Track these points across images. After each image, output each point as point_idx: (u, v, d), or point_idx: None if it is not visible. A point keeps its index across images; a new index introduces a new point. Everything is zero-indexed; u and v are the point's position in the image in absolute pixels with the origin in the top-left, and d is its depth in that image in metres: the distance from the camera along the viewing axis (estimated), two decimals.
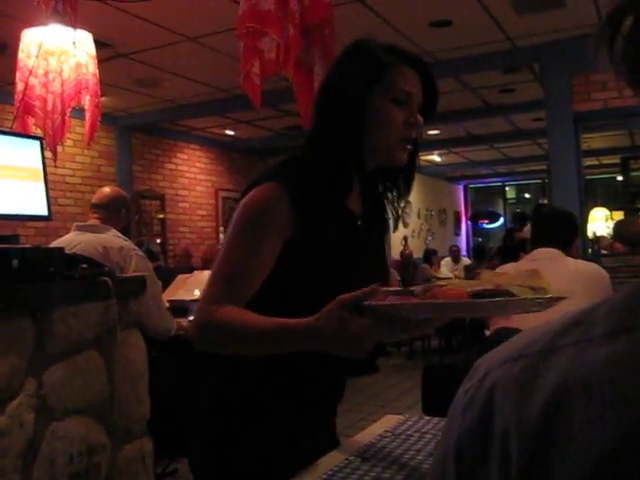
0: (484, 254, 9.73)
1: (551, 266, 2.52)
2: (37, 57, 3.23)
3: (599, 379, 0.41)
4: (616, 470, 0.38)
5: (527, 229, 7.48)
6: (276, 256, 1.24)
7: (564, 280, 2.44)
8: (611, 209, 11.20)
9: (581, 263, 2.67)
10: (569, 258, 2.63)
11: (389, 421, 1.62)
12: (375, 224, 1.42)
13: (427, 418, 1.63)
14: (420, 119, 1.31)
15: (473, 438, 0.47)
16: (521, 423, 0.43)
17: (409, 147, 1.33)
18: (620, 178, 10.90)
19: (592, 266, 2.66)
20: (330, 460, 1.32)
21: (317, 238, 1.26)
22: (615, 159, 11.03)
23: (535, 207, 8.34)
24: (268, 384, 1.32)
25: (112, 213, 3.35)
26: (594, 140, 9.79)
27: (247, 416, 1.31)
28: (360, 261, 1.34)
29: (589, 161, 10.84)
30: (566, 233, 2.72)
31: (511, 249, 7.07)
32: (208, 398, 1.37)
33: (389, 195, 1.43)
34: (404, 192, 1.42)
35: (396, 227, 1.46)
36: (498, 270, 2.73)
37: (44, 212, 2.41)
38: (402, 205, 1.43)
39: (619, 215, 9.93)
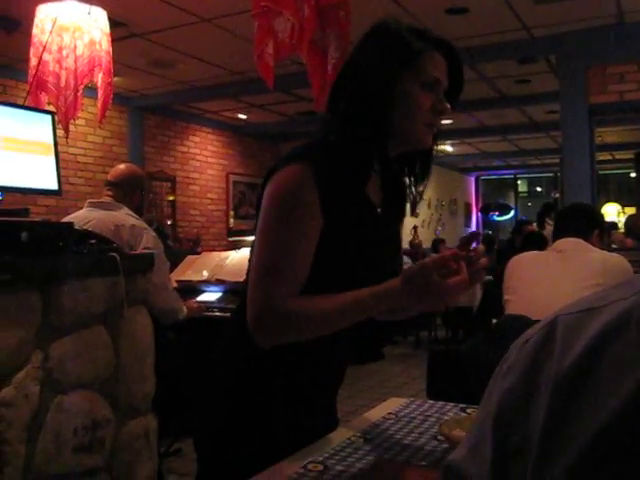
0: (494, 245, 9.72)
1: (577, 257, 2.53)
2: (51, 33, 3.23)
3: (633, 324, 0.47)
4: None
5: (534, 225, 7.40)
6: (318, 235, 1.22)
7: (589, 270, 2.44)
8: (623, 205, 11.10)
9: (607, 254, 2.65)
10: (595, 249, 2.62)
11: (393, 404, 1.62)
12: (393, 213, 1.42)
13: (431, 402, 1.63)
14: (448, 107, 1.30)
15: (516, 392, 0.52)
16: (559, 370, 0.49)
17: (434, 130, 1.33)
18: (633, 175, 10.81)
19: (617, 257, 2.64)
20: (333, 439, 1.33)
21: (338, 224, 1.23)
22: (629, 154, 10.93)
23: (543, 205, 8.24)
24: (276, 370, 1.30)
25: (126, 192, 3.34)
26: (608, 134, 9.71)
27: (252, 398, 1.30)
28: (378, 249, 1.34)
29: (602, 156, 10.74)
30: (586, 223, 2.70)
31: (513, 244, 7.00)
32: (215, 380, 1.37)
33: (407, 180, 1.42)
34: (423, 175, 1.41)
35: (413, 211, 1.45)
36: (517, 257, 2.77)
37: (54, 187, 2.41)
38: (420, 189, 1.42)
39: (631, 211, 9.86)
